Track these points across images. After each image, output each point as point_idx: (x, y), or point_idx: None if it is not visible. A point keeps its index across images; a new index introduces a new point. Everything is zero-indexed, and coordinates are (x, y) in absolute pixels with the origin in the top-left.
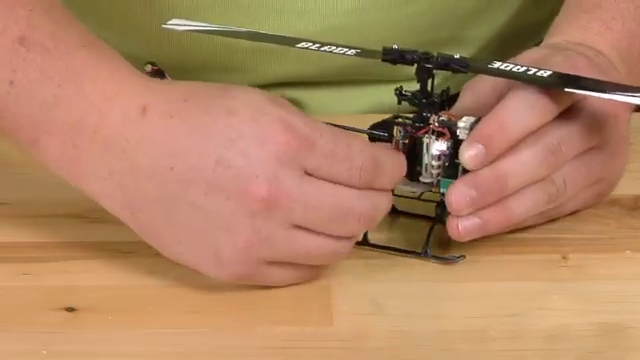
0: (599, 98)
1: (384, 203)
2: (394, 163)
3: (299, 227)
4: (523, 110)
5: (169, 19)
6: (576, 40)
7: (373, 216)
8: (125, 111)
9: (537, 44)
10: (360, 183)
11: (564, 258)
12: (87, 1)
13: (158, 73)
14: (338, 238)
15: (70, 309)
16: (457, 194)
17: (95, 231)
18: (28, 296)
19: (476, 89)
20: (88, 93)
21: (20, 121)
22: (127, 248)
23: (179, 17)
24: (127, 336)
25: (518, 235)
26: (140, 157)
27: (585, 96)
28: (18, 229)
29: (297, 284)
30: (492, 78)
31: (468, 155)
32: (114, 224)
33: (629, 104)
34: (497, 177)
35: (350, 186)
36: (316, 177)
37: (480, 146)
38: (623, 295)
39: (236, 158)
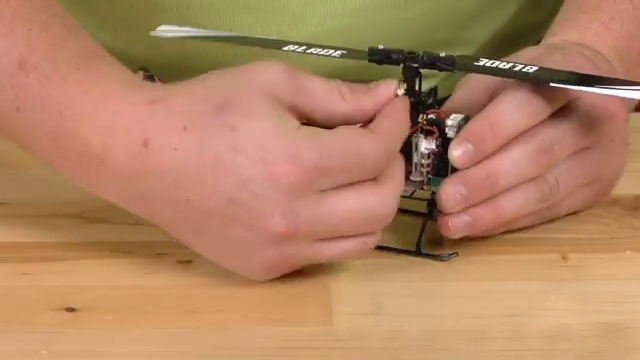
0: (593, 96)
1: (397, 196)
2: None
3: (322, 240)
4: (514, 110)
5: (171, 19)
6: (575, 40)
7: (391, 212)
8: (127, 145)
9: (535, 44)
10: (373, 175)
11: (564, 258)
12: (88, 2)
13: (149, 79)
14: (363, 235)
15: (70, 309)
16: (447, 191)
17: (95, 231)
18: (28, 296)
19: (469, 86)
20: (87, 123)
21: (33, 145)
22: (127, 248)
23: (179, 17)
24: (127, 336)
25: (518, 235)
26: (153, 185)
27: (577, 93)
28: (18, 229)
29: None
30: (485, 75)
31: (456, 154)
32: (114, 224)
33: (625, 103)
34: (487, 175)
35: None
36: (334, 190)
37: (469, 145)
38: (623, 295)
39: (249, 199)
